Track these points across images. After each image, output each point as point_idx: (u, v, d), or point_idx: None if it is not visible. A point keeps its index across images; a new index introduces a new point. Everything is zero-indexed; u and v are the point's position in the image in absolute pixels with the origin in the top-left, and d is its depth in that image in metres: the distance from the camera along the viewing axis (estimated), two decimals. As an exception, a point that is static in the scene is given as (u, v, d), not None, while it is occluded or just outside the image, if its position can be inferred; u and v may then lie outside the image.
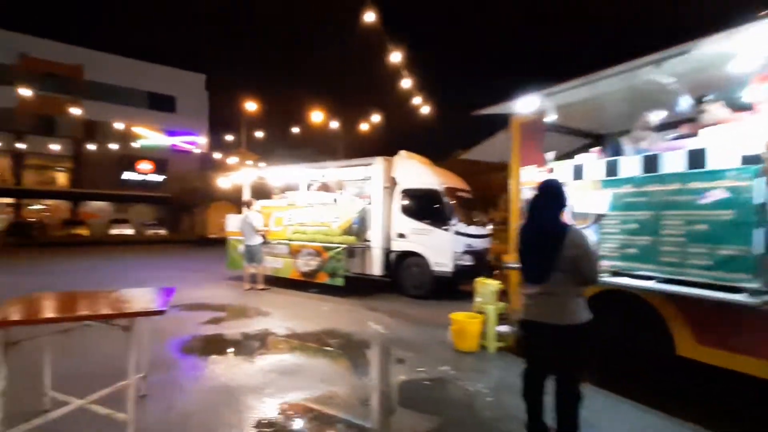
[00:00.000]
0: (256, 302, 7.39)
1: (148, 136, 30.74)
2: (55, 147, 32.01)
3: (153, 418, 3.01)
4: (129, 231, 32.24)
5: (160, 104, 38.44)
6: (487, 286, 4.88)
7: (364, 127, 14.97)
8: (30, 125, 32.25)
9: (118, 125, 23.18)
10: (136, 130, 26.28)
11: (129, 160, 35.55)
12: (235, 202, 24.07)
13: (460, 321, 4.65)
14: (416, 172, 8.34)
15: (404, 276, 8.16)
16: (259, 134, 26.45)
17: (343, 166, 9.12)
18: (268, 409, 3.25)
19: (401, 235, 8.19)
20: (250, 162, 26.56)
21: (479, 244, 8.15)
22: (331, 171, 9.42)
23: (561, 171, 4.25)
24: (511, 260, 4.85)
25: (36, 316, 2.39)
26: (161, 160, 37.34)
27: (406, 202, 8.27)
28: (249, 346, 4.94)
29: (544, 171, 4.46)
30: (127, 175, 36.38)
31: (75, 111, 26.28)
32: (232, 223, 11.61)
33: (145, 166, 37.40)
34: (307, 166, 9.91)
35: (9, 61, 30.70)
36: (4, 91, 30.52)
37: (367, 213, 8.64)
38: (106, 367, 3.90)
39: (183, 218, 36.16)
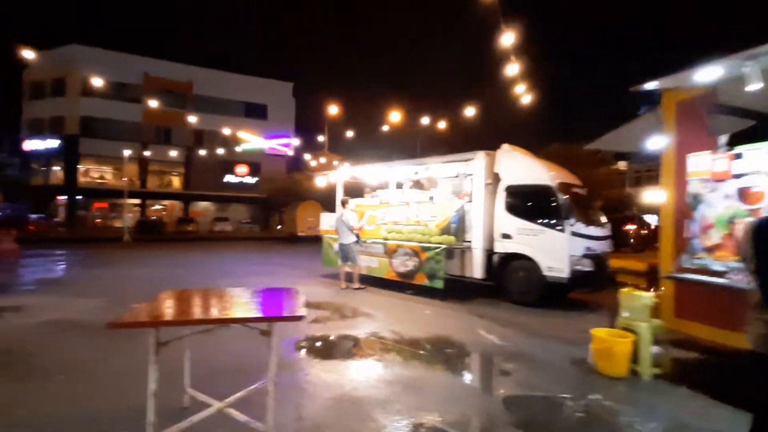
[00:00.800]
0: (354, 301, 7.22)
1: (250, 140, 33.21)
2: (171, 154, 36.12)
3: (287, 429, 2.81)
4: (228, 228, 35.25)
5: (254, 112, 41.48)
6: (637, 299, 4.04)
7: (442, 125, 14.33)
8: (152, 136, 36.86)
9: (224, 132, 25.29)
10: (240, 134, 28.45)
11: (229, 165, 38.90)
12: (322, 201, 24.95)
13: (605, 339, 3.89)
14: (524, 166, 7.55)
15: (509, 280, 7.43)
16: (342, 135, 27.16)
17: (440, 162, 8.60)
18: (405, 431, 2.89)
19: (506, 236, 7.47)
20: (335, 163, 27.36)
21: (599, 246, 7.11)
22: (426, 168, 8.98)
23: (756, 158, 3.31)
24: (673, 270, 3.98)
25: (185, 317, 2.28)
26: (255, 163, 40.27)
27: (512, 199, 7.52)
28: (361, 350, 4.68)
29: (724, 158, 3.53)
30: (227, 178, 39.88)
31: (189, 120, 29.27)
32: (327, 221, 11.79)
33: (241, 169, 40.68)
34: (400, 163, 9.60)
35: (136, 81, 35.27)
36: (133, 108, 35.20)
37: (467, 212, 8.07)
38: (238, 365, 3.90)
39: (273, 217, 38.61)
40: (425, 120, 14.19)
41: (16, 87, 35.64)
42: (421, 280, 7.77)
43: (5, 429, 2.80)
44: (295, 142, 32.34)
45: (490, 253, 7.69)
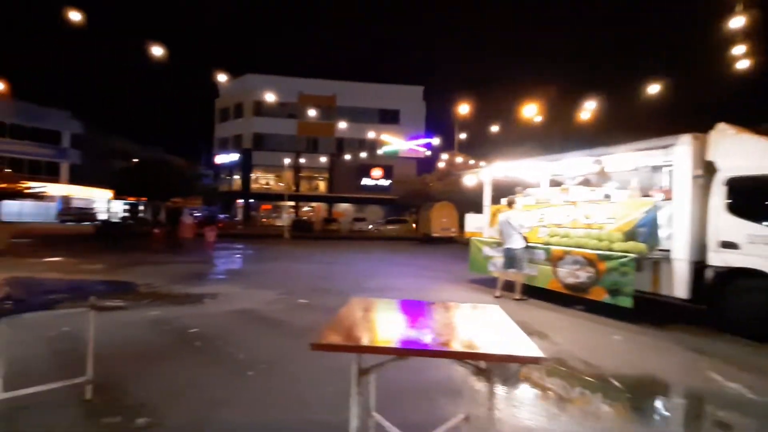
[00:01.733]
0: (520, 315, 6.25)
1: (392, 142, 34.45)
2: (318, 161, 39.97)
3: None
4: (366, 227, 37.30)
5: (388, 118, 43.06)
6: None
7: (587, 114, 11.98)
8: (304, 146, 41.52)
9: (363, 137, 26.68)
10: (384, 137, 29.68)
11: (365, 169, 41.19)
12: (458, 202, 24.15)
13: None
14: (758, 152, 5.52)
15: (733, 304, 5.48)
16: (475, 133, 25.91)
17: (627, 151, 6.90)
18: None
19: (729, 245, 5.55)
20: (457, 160, 26.29)
21: None
22: (608, 158, 7.42)
23: None
24: None
25: (398, 344, 1.80)
26: (388, 167, 41.75)
27: (739, 196, 5.56)
28: (549, 382, 3.78)
29: None
30: (364, 181, 42.33)
31: (333, 130, 31.87)
32: (473, 223, 10.98)
33: (376, 172, 42.67)
34: (569, 155, 8.09)
35: (293, 100, 40.16)
36: (290, 123, 40.22)
37: (661, 212, 6.34)
38: (422, 387, 3.43)
39: (406, 217, 39.38)
40: (572, 110, 12.18)
41: (210, 114, 44.16)
42: (600, 295, 6.35)
43: (193, 414, 2.80)
44: (435, 141, 32.23)
45: (699, 266, 5.85)
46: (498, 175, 9.88)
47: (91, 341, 3.05)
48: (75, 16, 7.40)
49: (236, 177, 41.12)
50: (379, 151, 33.50)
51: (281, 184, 32.34)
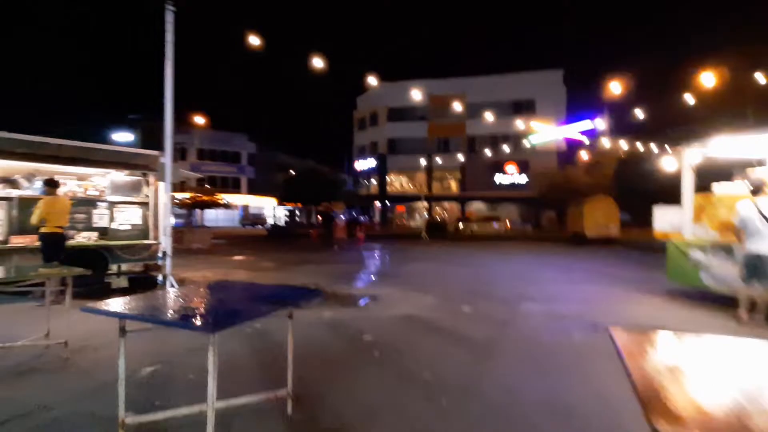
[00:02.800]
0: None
1: (540, 129, 30.78)
2: (450, 161, 39.34)
3: None
4: (500, 227, 34.99)
5: (522, 109, 39.72)
6: None
7: None
8: (435, 146, 41.43)
9: (495, 134, 24.90)
10: (533, 124, 26.87)
11: (498, 165, 38.83)
12: (619, 195, 20.47)
13: None
14: None
15: None
16: (628, 115, 21.51)
17: None
18: None
19: None
20: (625, 146, 22.07)
21: None
22: None
23: None
24: None
25: None
26: (523, 161, 38.54)
27: None
28: None
29: None
30: (497, 178, 39.94)
31: (464, 128, 30.73)
32: (663, 219, 8.74)
33: (511, 168, 39.83)
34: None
35: (423, 102, 40.46)
36: (421, 125, 40.62)
37: None
38: None
39: (546, 215, 35.68)
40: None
41: (349, 125, 47.73)
42: None
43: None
44: (600, 125, 27.31)
45: None
46: (709, 156, 7.54)
47: (291, 353, 2.87)
48: (254, 40, 8.25)
49: (373, 181, 43.39)
50: (527, 143, 30.52)
51: (414, 186, 32.82)
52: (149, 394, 3.13)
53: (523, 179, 38.91)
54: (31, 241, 6.73)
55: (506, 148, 31.06)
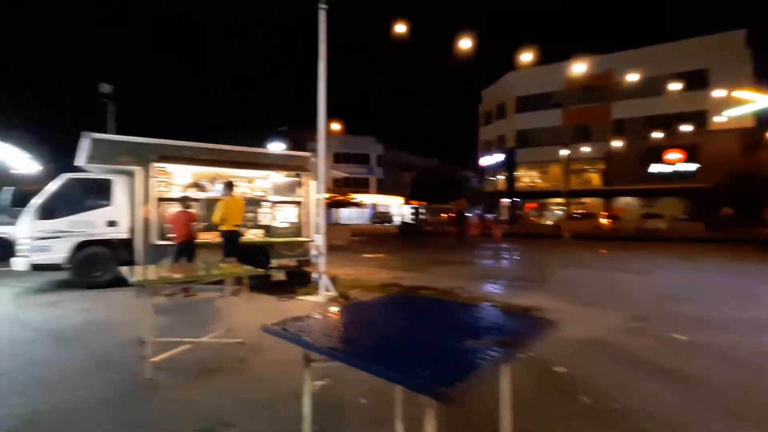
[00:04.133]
0: None
1: (755, 99, 23.35)
2: (590, 151, 34.19)
3: None
4: (662, 226, 28.76)
5: (689, 82, 31.98)
6: None
7: None
8: (572, 136, 36.45)
9: (651, 115, 20.24)
10: (737, 94, 20.86)
11: (655, 152, 32.14)
12: None
13: None
14: None
15: None
16: None
17: None
18: None
19: None
20: None
21: None
22: None
23: None
24: None
25: None
26: (691, 146, 31.11)
27: None
28: None
29: None
30: (654, 168, 33.11)
31: (609, 112, 26.09)
32: None
33: (674, 155, 32.55)
34: None
35: (558, 88, 35.99)
36: (555, 113, 36.24)
37: None
38: None
39: (723, 211, 28.00)
40: None
41: (474, 120, 45.69)
42: None
43: None
44: None
45: None
46: None
47: (509, 409, 2.00)
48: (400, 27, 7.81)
49: (500, 177, 40.60)
50: (720, 118, 24.10)
51: (547, 180, 29.33)
52: (323, 417, 2.65)
53: (690, 167, 31.49)
54: (213, 237, 7.46)
55: (668, 131, 25.30)
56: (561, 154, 32.61)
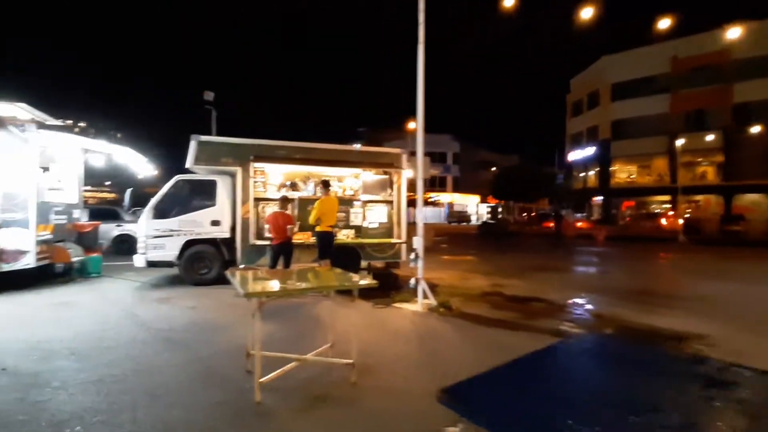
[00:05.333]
0: None
1: None
2: (705, 141, 29.03)
3: None
4: (809, 229, 23.02)
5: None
6: None
7: None
8: (681, 124, 31.28)
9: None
10: None
11: (799, 139, 26.06)
12: None
13: None
14: None
15: None
16: None
17: None
18: None
19: None
20: None
21: None
22: None
23: None
24: None
25: None
26: None
27: None
28: None
29: None
30: (796, 159, 26.88)
31: (728, 95, 21.62)
32: None
33: (823, 142, 26.11)
34: None
35: (662, 70, 31.15)
36: (659, 100, 31.43)
37: None
38: None
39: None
40: None
41: (560, 112, 41.81)
42: None
43: None
44: None
45: None
46: None
47: None
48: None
49: (591, 173, 36.50)
50: None
51: (649, 175, 25.27)
52: None
53: None
54: (305, 238, 7.19)
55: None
56: (668, 145, 28.11)
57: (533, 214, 29.06)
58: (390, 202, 8.27)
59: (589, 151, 35.42)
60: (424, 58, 6.14)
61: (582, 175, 37.68)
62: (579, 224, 16.76)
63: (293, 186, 7.73)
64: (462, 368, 3.62)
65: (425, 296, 6.15)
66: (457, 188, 42.87)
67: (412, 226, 8.32)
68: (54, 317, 5.01)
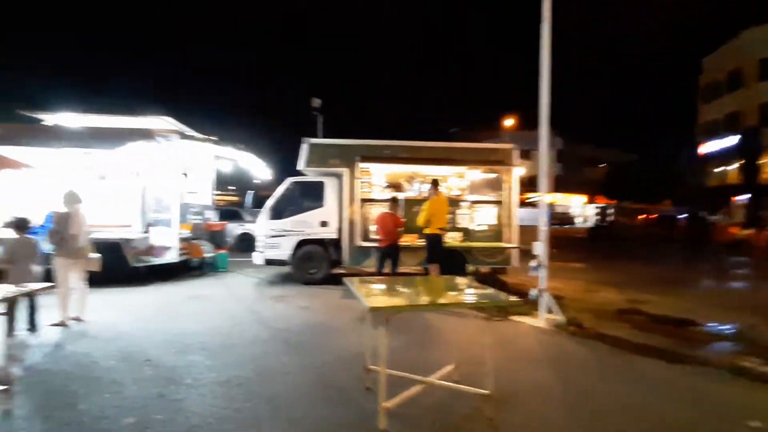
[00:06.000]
0: None
1: None
2: None
3: None
4: None
5: None
6: None
7: None
8: None
9: None
10: None
11: None
12: None
13: None
14: None
15: None
16: None
17: None
18: None
19: None
20: None
21: None
22: None
23: None
24: None
25: None
26: None
27: None
28: None
29: None
30: None
31: None
32: None
33: None
34: None
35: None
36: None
37: None
38: None
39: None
40: None
41: (689, 97, 35.02)
42: None
43: None
44: None
45: None
46: None
47: None
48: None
49: (731, 167, 29.71)
50: None
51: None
52: None
53: None
54: (411, 240, 6.74)
55: None
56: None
57: (655, 215, 24.56)
58: (499, 203, 7.41)
59: (729, 141, 28.83)
60: (550, 38, 5.22)
61: (718, 170, 30.88)
62: (734, 229, 13.31)
63: (397, 187, 7.37)
64: (616, 410, 2.85)
65: (549, 311, 5.22)
66: (560, 187, 38.70)
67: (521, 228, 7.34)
68: (190, 311, 5.36)
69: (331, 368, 3.46)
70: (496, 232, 7.37)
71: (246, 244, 11.66)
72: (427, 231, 5.76)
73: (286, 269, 7.77)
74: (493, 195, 7.42)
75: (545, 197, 5.73)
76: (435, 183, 5.90)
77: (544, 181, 5.63)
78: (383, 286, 3.33)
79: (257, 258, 7.20)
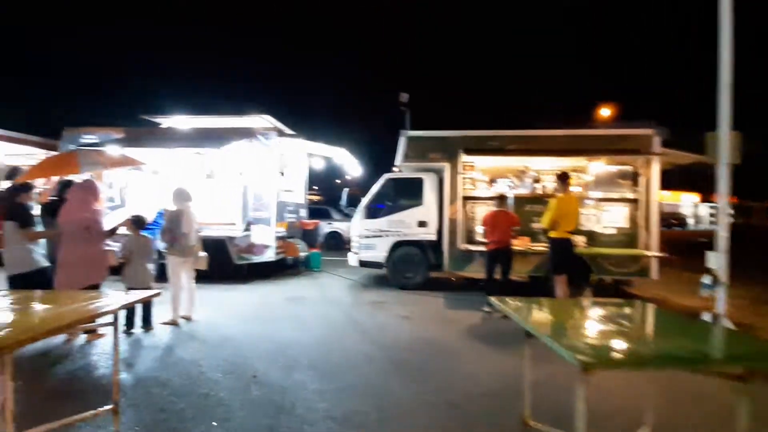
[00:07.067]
0: None
1: None
2: None
3: None
4: None
5: None
6: None
7: None
8: None
9: None
10: None
11: None
12: None
13: None
14: None
15: None
16: None
17: None
18: None
19: None
20: None
21: None
22: None
23: None
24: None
25: None
26: None
27: None
28: None
29: None
30: None
31: None
32: None
33: None
34: None
35: None
36: None
37: None
38: None
39: None
40: None
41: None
42: None
43: None
44: None
45: None
46: None
47: None
48: None
49: None
50: None
51: None
52: None
53: None
54: (522, 244, 5.65)
55: None
56: None
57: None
58: (634, 201, 5.92)
59: None
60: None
61: None
62: None
63: (505, 183, 6.28)
64: None
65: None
66: (666, 184, 33.00)
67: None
68: (289, 314, 4.98)
69: (469, 411, 2.62)
70: (628, 237, 5.91)
71: (334, 242, 11.44)
72: (553, 234, 4.63)
73: (379, 272, 7.17)
74: (625, 191, 5.96)
75: (723, 193, 4.24)
76: (565, 177, 4.73)
77: (724, 173, 4.15)
78: (547, 310, 2.35)
79: (352, 259, 6.69)
